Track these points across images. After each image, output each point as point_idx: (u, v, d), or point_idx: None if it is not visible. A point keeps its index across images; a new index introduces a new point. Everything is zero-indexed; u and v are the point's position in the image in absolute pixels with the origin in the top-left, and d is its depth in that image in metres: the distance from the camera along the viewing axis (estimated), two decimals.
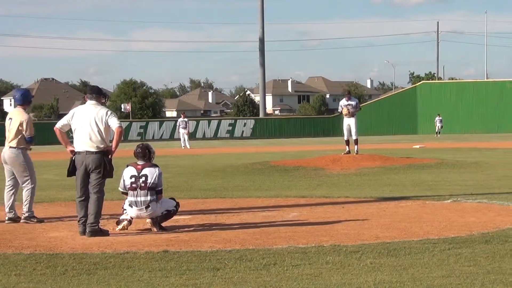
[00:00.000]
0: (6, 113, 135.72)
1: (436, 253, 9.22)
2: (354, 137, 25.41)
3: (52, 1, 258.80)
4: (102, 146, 11.06)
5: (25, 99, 12.70)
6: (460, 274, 7.90)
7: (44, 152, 42.32)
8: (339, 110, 26.01)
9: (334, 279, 7.82)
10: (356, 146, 25.54)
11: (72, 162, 11.19)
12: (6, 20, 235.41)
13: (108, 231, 11.11)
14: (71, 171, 11.25)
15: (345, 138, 25.83)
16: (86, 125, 11.08)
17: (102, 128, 11.07)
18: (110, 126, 11.09)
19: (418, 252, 9.28)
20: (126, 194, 11.42)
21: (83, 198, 11.10)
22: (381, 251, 9.31)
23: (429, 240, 10.10)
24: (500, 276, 7.82)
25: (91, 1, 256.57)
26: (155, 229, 11.22)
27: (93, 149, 11.03)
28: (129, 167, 11.46)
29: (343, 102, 25.50)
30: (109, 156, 11.12)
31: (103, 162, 11.03)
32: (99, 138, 11.05)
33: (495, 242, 9.91)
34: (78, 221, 11.09)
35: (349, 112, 25.12)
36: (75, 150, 11.15)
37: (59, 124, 11.35)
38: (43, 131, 57.60)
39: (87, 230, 10.86)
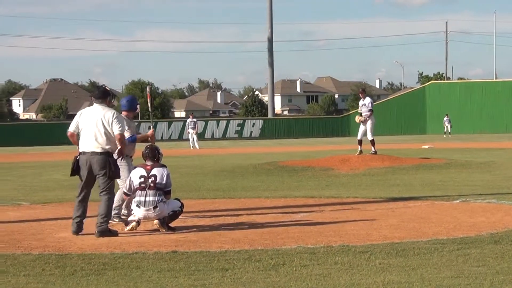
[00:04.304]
0: (15, 114, 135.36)
1: (445, 253, 9.21)
2: (369, 138, 25.16)
3: (56, 1, 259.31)
4: (107, 147, 11.05)
5: (131, 106, 12.57)
6: (469, 275, 7.89)
7: (53, 152, 42.40)
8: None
9: (343, 279, 7.82)
10: (372, 147, 25.31)
11: (76, 162, 11.18)
12: (15, 21, 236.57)
13: (117, 231, 11.12)
14: (75, 171, 11.24)
15: (358, 137, 25.64)
16: (93, 125, 11.07)
17: (108, 130, 11.07)
18: (113, 130, 11.06)
19: (427, 252, 9.27)
20: (128, 195, 11.43)
21: (81, 198, 11.12)
22: (390, 252, 9.30)
23: (438, 241, 10.08)
24: (509, 276, 7.80)
25: (94, 1, 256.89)
26: (163, 230, 11.23)
27: (99, 150, 11.02)
28: (137, 168, 11.48)
29: (360, 102, 25.35)
30: (114, 157, 11.13)
31: (108, 163, 11.03)
32: (105, 139, 11.04)
33: (504, 243, 9.89)
34: (73, 219, 11.08)
35: (361, 116, 24.92)
36: (80, 150, 11.14)
37: (72, 127, 11.26)
38: (52, 132, 57.93)
39: (96, 230, 10.87)
